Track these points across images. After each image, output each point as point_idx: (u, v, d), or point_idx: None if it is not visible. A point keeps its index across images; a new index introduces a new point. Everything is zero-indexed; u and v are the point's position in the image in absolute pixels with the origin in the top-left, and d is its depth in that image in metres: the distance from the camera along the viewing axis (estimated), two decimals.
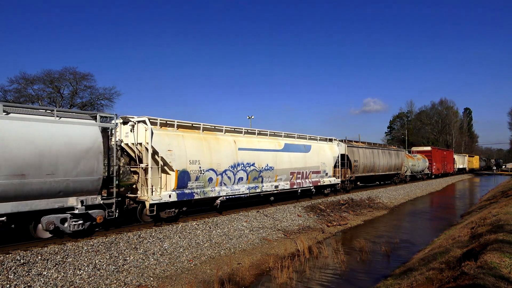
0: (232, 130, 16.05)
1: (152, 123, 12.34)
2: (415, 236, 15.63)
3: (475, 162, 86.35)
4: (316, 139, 22.04)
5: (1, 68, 75.27)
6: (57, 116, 9.77)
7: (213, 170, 14.15)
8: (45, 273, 7.92)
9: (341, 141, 25.32)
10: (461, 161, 69.83)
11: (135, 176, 12.97)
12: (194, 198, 13.43)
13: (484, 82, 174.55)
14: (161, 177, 12.46)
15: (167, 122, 13.11)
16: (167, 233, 11.44)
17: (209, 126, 14.98)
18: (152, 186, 12.12)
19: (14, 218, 9.11)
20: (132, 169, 13.07)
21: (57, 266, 8.28)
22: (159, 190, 12.39)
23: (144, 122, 12.23)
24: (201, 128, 14.46)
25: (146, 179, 12.11)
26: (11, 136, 8.75)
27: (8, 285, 7.23)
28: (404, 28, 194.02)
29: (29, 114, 9.40)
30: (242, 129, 16.61)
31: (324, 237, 14.58)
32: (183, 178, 12.95)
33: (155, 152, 12.19)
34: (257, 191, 16.50)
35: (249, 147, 16.16)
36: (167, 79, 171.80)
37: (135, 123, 12.42)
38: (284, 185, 18.31)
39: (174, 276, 9.01)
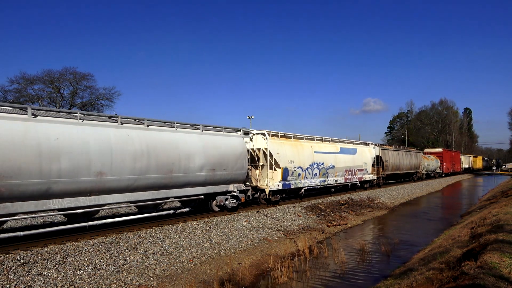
0: (308, 138, 21.71)
1: (265, 135, 17.69)
2: (415, 236, 15.62)
3: (479, 162, 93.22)
4: (359, 143, 27.69)
5: (1, 68, 75.34)
6: (224, 132, 14.96)
7: (300, 167, 19.43)
8: (45, 273, 7.92)
9: (376, 145, 30.81)
10: (466, 161, 75.92)
11: (250, 172, 17.10)
12: (291, 187, 18.82)
13: (484, 82, 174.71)
14: (268, 172, 17.38)
15: (273, 133, 18.37)
16: (167, 233, 11.44)
17: (294, 135, 20.45)
18: (267, 178, 17.24)
19: (205, 196, 14.14)
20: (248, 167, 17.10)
21: (57, 266, 8.28)
22: (271, 181, 17.45)
23: (263, 134, 17.68)
24: (292, 137, 20.07)
25: (261, 174, 17.41)
26: (208, 144, 13.73)
27: (8, 285, 7.23)
28: (404, 28, 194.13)
29: (212, 130, 14.52)
30: (314, 137, 22.43)
31: (324, 237, 14.57)
32: (285, 173, 18.11)
33: (270, 155, 17.23)
34: (325, 183, 22.08)
35: (320, 151, 21.58)
36: (167, 78, 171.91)
37: (254, 134, 17.51)
38: (341, 180, 23.82)
39: (174, 276, 9.01)
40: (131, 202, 11.54)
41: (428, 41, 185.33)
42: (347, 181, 24.70)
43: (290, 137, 19.84)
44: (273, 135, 18.18)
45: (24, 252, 8.56)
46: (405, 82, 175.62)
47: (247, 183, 16.04)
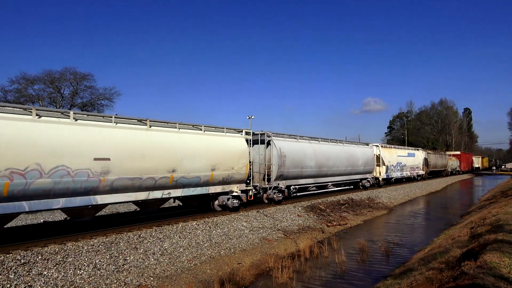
0: (392, 147, 35.34)
1: (379, 146, 31.39)
2: (414, 236, 15.63)
3: (485, 162, 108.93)
4: (416, 149, 42.43)
5: (1, 68, 75.35)
6: (365, 145, 29.47)
7: (392, 165, 32.79)
8: (45, 273, 7.93)
9: (423, 150, 45.93)
10: (476, 161, 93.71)
11: None
12: (389, 177, 32.25)
13: (484, 82, 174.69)
14: (378, 168, 30.41)
15: (381, 144, 31.68)
16: (167, 233, 11.45)
17: (389, 146, 34.87)
18: (376, 171, 30.25)
19: (359, 180, 27.89)
20: None
21: (57, 266, 8.29)
22: (382, 173, 30.80)
23: (376, 145, 30.98)
24: (387, 146, 33.52)
25: (376, 169, 30.13)
26: (363, 152, 27.33)
27: (8, 285, 7.24)
28: (404, 28, 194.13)
29: (361, 144, 29.00)
30: (396, 146, 37.68)
31: (324, 237, 14.58)
32: (387, 168, 31.47)
33: (381, 157, 30.53)
34: (402, 175, 36.06)
35: (399, 154, 35.12)
36: (167, 78, 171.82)
37: (371, 146, 30.10)
38: (408, 174, 37.88)
39: (174, 276, 9.02)
40: (337, 181, 23.79)
41: (428, 41, 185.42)
42: (411, 174, 38.81)
43: (386, 147, 33.70)
44: (381, 146, 31.65)
45: (25, 252, 8.57)
46: (405, 82, 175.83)
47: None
